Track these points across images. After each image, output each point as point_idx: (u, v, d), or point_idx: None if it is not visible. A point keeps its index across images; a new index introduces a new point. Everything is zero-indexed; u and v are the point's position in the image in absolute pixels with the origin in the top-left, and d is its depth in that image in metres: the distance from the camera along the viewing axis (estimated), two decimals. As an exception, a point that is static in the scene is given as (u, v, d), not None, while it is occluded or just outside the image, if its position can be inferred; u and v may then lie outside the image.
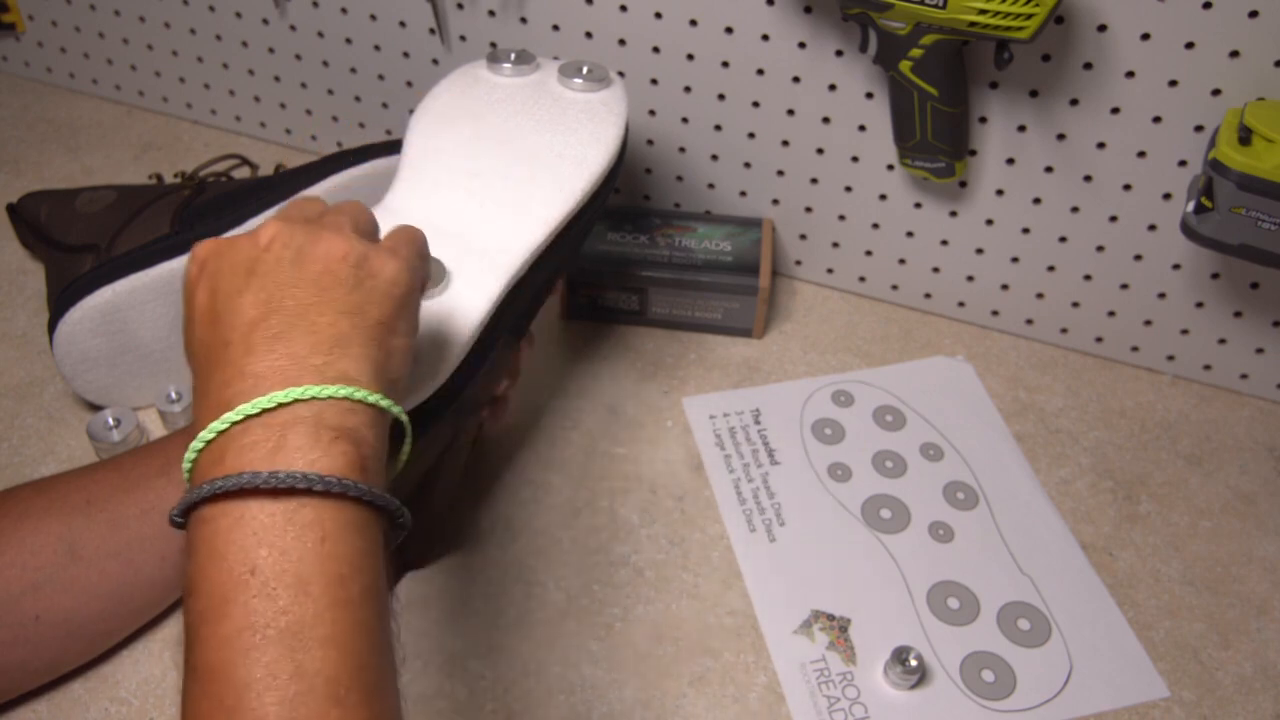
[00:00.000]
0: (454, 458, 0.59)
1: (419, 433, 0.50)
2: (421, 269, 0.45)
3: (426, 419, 0.50)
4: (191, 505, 0.36)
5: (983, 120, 0.67)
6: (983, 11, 0.57)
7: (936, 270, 0.76)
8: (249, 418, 0.37)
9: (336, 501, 0.36)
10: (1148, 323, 0.72)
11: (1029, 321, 0.76)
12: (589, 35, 0.73)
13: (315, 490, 0.36)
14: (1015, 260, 0.73)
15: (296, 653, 0.34)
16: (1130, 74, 0.62)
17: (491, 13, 0.74)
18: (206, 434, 0.37)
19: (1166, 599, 0.62)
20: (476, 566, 0.61)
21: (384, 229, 0.55)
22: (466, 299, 0.52)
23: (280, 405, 0.37)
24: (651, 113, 0.75)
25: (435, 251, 0.53)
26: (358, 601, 0.36)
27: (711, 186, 0.78)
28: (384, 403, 0.40)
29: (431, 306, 0.52)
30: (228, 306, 0.40)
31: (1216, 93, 0.61)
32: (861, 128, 0.70)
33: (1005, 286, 0.75)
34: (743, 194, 0.78)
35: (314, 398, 0.37)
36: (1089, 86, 0.63)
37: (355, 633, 0.35)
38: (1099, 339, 0.75)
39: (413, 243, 0.45)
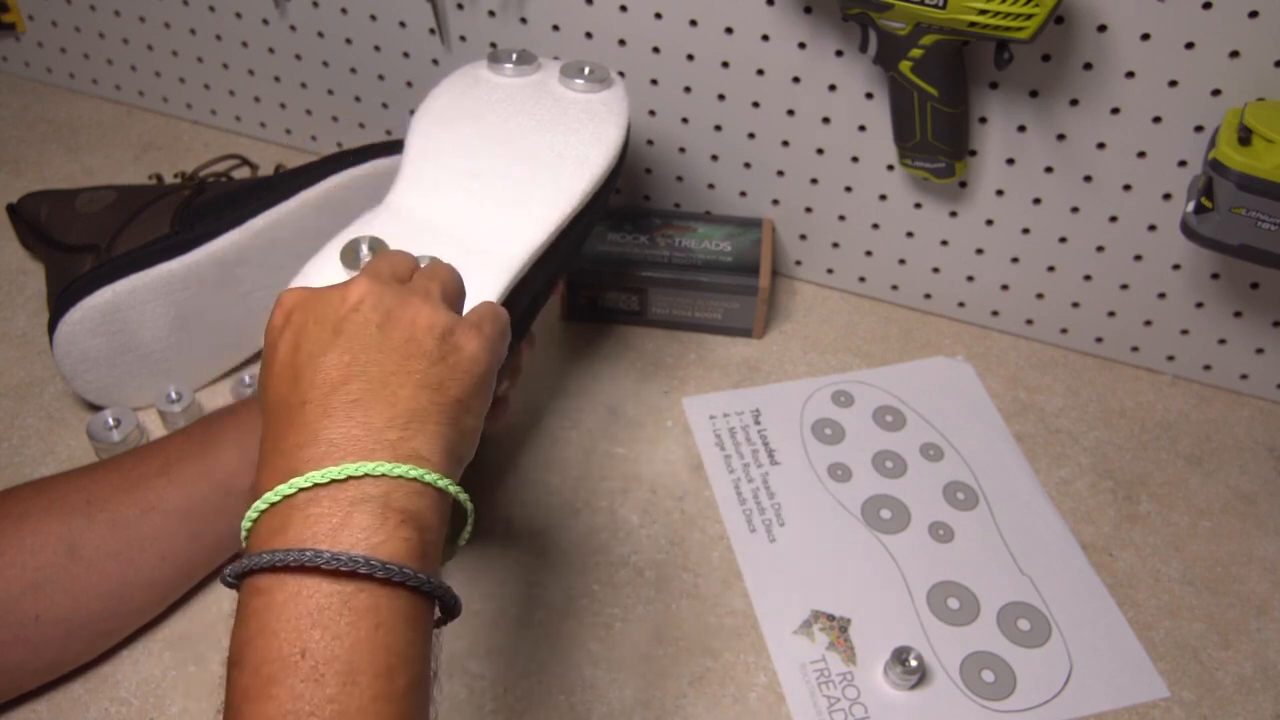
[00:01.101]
0: None
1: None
2: (501, 348, 0.44)
3: None
4: (248, 571, 0.36)
5: (983, 120, 0.67)
6: (983, 12, 0.57)
7: (936, 270, 0.76)
8: (317, 486, 0.36)
9: (394, 589, 0.36)
10: (1148, 323, 0.72)
11: (1029, 321, 0.76)
12: (589, 35, 0.73)
13: (376, 576, 0.35)
14: (1015, 260, 0.73)
15: None
16: (1130, 74, 0.62)
17: (491, 13, 0.74)
18: (273, 496, 0.36)
19: (1166, 599, 0.62)
20: (476, 567, 0.61)
21: (386, 229, 0.55)
22: (466, 300, 0.52)
23: (350, 478, 0.36)
24: (651, 113, 0.75)
25: (436, 252, 0.53)
26: (403, 695, 0.35)
27: (711, 186, 0.78)
28: (452, 488, 0.39)
29: None
30: (310, 364, 0.39)
31: (1216, 93, 0.61)
32: (861, 128, 0.71)
33: (1005, 287, 0.75)
34: (743, 194, 0.78)
35: (385, 475, 0.37)
36: (1089, 87, 0.63)
37: None
38: (1099, 339, 0.75)
39: (496, 320, 0.44)
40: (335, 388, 0.38)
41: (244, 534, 0.38)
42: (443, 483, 0.38)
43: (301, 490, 0.36)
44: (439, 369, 0.40)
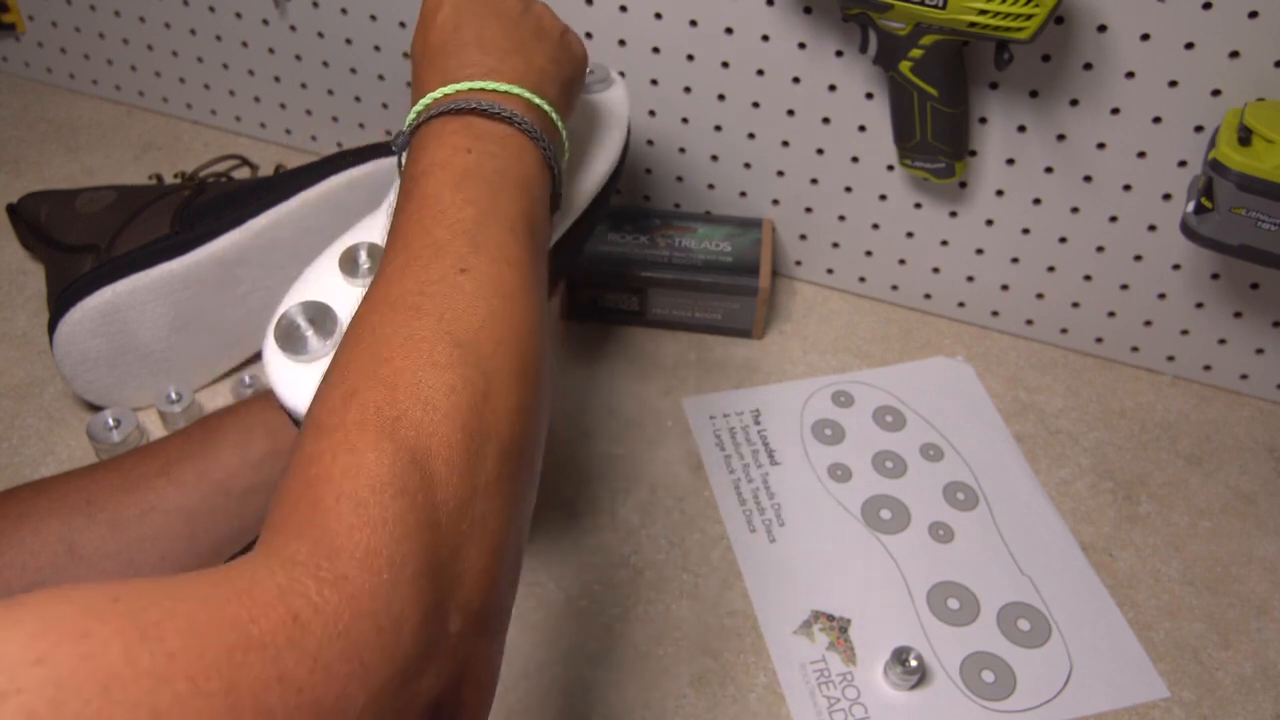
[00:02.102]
0: None
1: None
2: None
3: None
4: (432, 115, 0.46)
5: (983, 120, 0.67)
6: (983, 12, 0.57)
7: (936, 270, 0.76)
8: (481, 91, 0.47)
9: (536, 147, 0.47)
10: (1148, 323, 0.72)
11: (1029, 322, 0.76)
12: (589, 35, 0.73)
13: (526, 130, 0.46)
14: (1015, 261, 0.73)
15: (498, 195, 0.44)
16: (1130, 74, 0.62)
17: (491, 13, 0.74)
18: (461, 85, 0.47)
19: (1166, 599, 0.62)
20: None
21: (383, 231, 0.55)
22: None
23: (508, 93, 0.47)
24: (651, 113, 0.75)
25: None
26: (527, 241, 0.44)
27: (711, 187, 0.78)
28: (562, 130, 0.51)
29: None
30: (474, 20, 0.50)
31: (1216, 93, 0.61)
32: (861, 128, 0.71)
33: (1005, 287, 0.75)
34: (743, 194, 0.78)
35: (527, 100, 0.48)
36: (1089, 87, 0.63)
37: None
38: (1099, 339, 0.75)
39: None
40: (493, 42, 0.49)
41: (412, 116, 0.47)
42: (555, 116, 0.49)
43: (471, 89, 0.47)
44: (560, 51, 0.52)
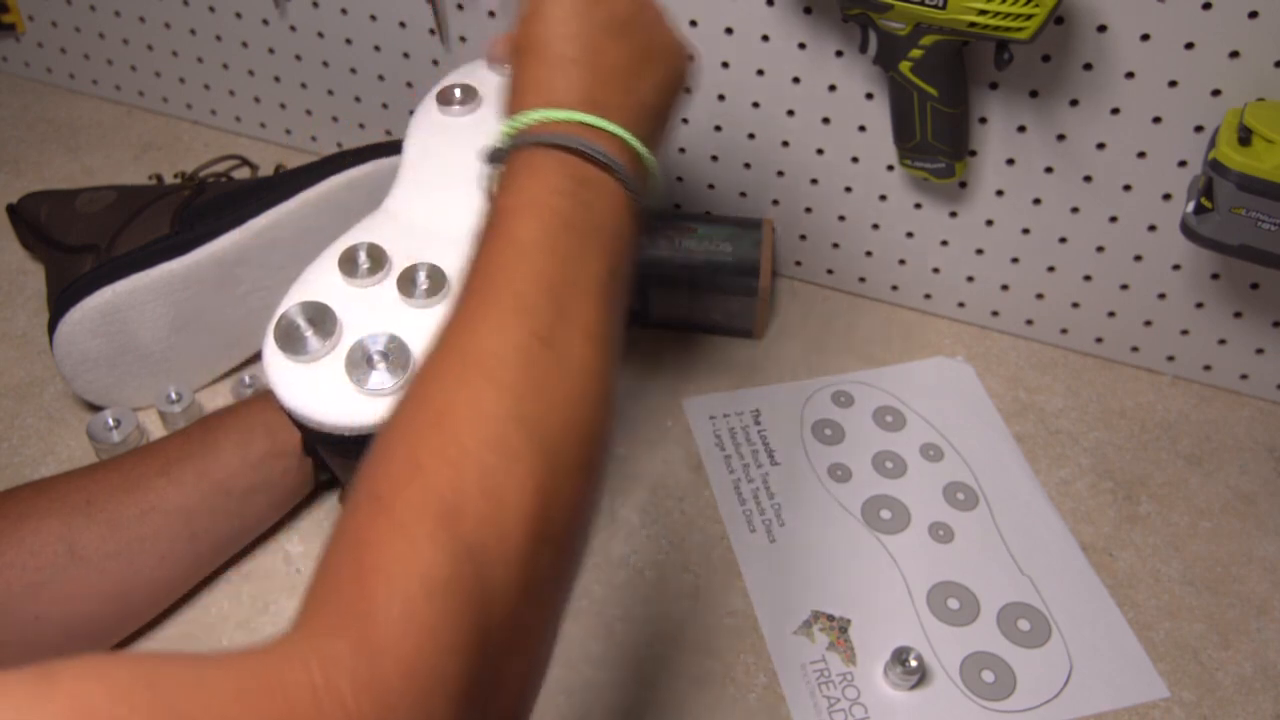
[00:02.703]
0: None
1: None
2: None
3: None
4: (523, 145, 0.44)
5: (983, 121, 0.67)
6: (983, 12, 0.57)
7: (936, 271, 0.76)
8: (580, 124, 0.44)
9: (627, 194, 0.44)
10: (1148, 323, 0.72)
11: (1029, 322, 0.76)
12: (589, 35, 0.73)
13: (617, 174, 0.44)
14: (1015, 261, 0.73)
15: (587, 246, 0.41)
16: (1130, 74, 0.62)
17: (491, 13, 0.74)
18: (539, 115, 0.44)
19: (1166, 599, 0.62)
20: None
21: (385, 235, 0.55)
22: None
23: (598, 128, 0.44)
24: (651, 113, 0.75)
25: (435, 258, 0.53)
26: (610, 284, 0.42)
27: (711, 187, 0.78)
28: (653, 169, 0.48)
29: (431, 314, 0.52)
30: (599, 31, 0.47)
31: (1216, 93, 0.61)
32: (861, 128, 0.70)
33: (1005, 287, 0.75)
34: (743, 194, 0.78)
35: (628, 144, 0.45)
36: (1089, 87, 0.63)
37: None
38: (1099, 339, 0.75)
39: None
40: (602, 62, 0.46)
41: (509, 131, 0.45)
42: (652, 163, 0.47)
43: (576, 123, 0.44)
44: (667, 77, 0.49)
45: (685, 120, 0.75)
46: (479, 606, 0.31)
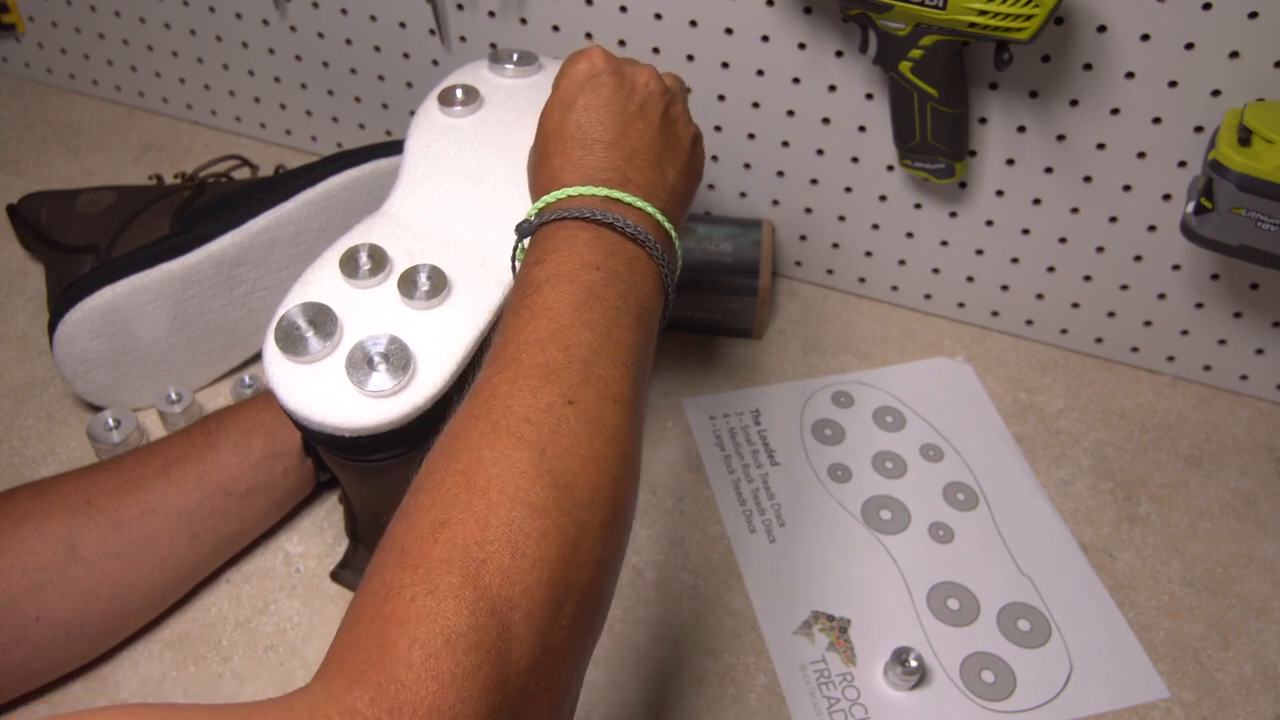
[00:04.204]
0: None
1: (416, 442, 0.50)
2: None
3: (424, 427, 0.50)
4: (556, 218, 0.46)
5: (983, 121, 0.67)
6: (982, 12, 0.57)
7: (936, 271, 0.76)
8: (611, 199, 0.46)
9: (656, 266, 0.47)
10: (1148, 323, 0.72)
11: (1029, 322, 0.76)
12: (589, 36, 0.73)
13: (647, 247, 0.46)
14: (1015, 261, 0.73)
15: (618, 322, 0.43)
16: (1130, 75, 0.62)
17: (491, 14, 0.74)
18: (574, 191, 0.46)
19: (1166, 600, 0.62)
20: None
21: (385, 237, 0.55)
22: (467, 309, 0.52)
23: (632, 206, 0.47)
24: (651, 113, 0.75)
25: (436, 260, 0.53)
26: (636, 350, 0.43)
27: (711, 187, 0.78)
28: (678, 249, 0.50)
29: (432, 316, 0.52)
30: (620, 117, 0.50)
31: (1216, 93, 0.61)
32: (861, 129, 0.71)
33: (1005, 287, 0.75)
34: (743, 195, 0.78)
35: (656, 220, 0.47)
36: (1089, 87, 0.63)
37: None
38: (1099, 340, 0.75)
39: None
40: (632, 146, 0.49)
41: (539, 206, 0.47)
42: (676, 238, 0.49)
43: (607, 199, 0.46)
44: (690, 163, 0.52)
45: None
46: (500, 659, 0.32)
